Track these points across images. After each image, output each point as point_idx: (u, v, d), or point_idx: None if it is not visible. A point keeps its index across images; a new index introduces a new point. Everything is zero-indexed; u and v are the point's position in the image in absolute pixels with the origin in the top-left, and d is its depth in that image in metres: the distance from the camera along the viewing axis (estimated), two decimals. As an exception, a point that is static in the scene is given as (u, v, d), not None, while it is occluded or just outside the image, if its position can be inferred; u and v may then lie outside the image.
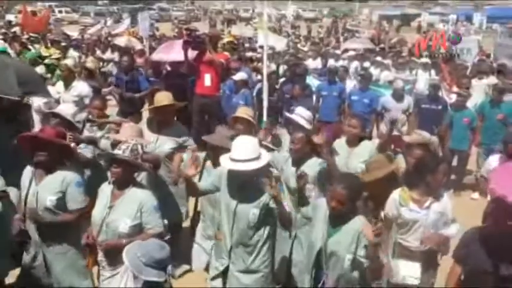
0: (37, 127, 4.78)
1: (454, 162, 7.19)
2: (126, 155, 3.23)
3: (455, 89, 8.32)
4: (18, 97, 4.59)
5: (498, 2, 46.04)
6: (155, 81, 8.48)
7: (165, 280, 2.63)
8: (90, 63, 8.28)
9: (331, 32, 31.02)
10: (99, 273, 3.48)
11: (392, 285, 3.58)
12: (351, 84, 9.28)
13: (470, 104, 7.51)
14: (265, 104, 6.15)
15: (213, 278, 3.60)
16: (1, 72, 4.50)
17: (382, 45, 18.19)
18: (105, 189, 3.39)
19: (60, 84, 7.03)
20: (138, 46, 13.08)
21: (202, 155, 4.33)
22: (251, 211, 3.32)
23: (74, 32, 19.55)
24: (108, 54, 13.38)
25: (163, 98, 4.52)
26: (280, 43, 13.68)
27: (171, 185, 4.51)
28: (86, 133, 4.74)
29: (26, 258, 3.62)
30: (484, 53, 15.11)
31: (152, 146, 4.35)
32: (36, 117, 5.89)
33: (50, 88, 6.39)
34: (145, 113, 6.31)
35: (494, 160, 4.91)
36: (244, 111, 4.72)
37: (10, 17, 28.82)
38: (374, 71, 10.79)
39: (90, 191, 3.64)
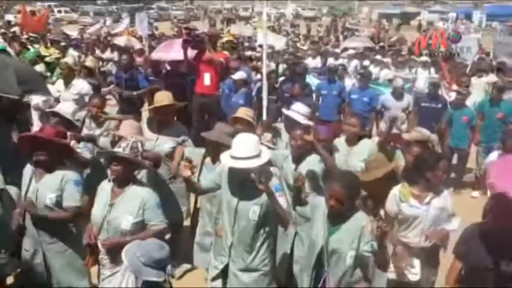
0: (36, 125, 4.78)
1: (454, 161, 7.18)
2: (126, 153, 3.21)
3: (454, 87, 8.30)
4: (18, 96, 4.58)
5: (497, 0, 46.00)
6: (155, 80, 8.46)
7: (164, 280, 2.61)
8: (89, 62, 8.28)
9: (330, 30, 31.09)
10: (100, 272, 3.47)
11: (393, 284, 3.58)
12: (350, 82, 9.27)
13: (469, 102, 7.49)
14: (264, 103, 6.15)
15: (213, 279, 3.59)
16: (0, 71, 4.48)
17: (381, 44, 18.23)
18: (105, 187, 3.38)
19: (60, 83, 7.02)
20: (138, 45, 13.06)
21: (201, 151, 4.32)
22: (251, 208, 3.32)
23: (73, 32, 19.49)
24: (107, 54, 13.35)
25: (163, 97, 4.51)
26: (279, 42, 13.66)
27: (171, 180, 4.50)
28: (85, 131, 4.74)
29: (26, 254, 3.60)
30: (483, 51, 15.10)
31: (152, 143, 4.34)
32: (35, 116, 5.88)
33: (49, 87, 6.38)
34: (145, 113, 6.30)
35: (493, 158, 4.92)
36: (244, 112, 4.71)
37: (9, 17, 28.76)
38: (374, 70, 10.81)
39: (89, 189, 3.63)
